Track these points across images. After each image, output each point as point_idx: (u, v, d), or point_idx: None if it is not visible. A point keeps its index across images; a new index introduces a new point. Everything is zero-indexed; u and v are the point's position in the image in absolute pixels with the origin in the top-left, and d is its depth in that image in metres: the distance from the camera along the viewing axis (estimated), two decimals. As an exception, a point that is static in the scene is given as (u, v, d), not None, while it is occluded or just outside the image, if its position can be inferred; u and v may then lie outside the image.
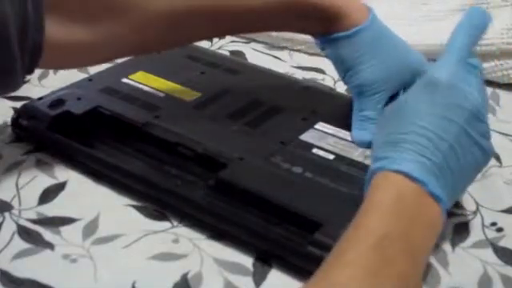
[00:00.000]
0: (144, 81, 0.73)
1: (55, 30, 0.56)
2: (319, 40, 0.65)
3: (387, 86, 0.63)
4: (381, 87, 0.63)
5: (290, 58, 0.88)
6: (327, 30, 0.63)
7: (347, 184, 0.57)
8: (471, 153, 0.51)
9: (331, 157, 0.61)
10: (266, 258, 0.55)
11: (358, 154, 0.61)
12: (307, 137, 0.64)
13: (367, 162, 0.60)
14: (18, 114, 0.68)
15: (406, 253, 0.45)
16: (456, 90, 0.51)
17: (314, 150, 0.62)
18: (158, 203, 0.60)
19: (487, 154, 0.53)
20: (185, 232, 0.57)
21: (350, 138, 0.63)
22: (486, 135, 0.53)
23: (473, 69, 0.53)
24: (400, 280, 0.44)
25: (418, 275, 0.46)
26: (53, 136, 0.65)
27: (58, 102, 0.68)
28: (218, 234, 0.57)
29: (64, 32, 0.57)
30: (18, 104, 0.71)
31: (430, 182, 0.48)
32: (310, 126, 0.65)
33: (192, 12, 0.61)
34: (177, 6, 0.60)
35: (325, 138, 0.63)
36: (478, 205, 0.61)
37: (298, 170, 0.59)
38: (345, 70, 0.64)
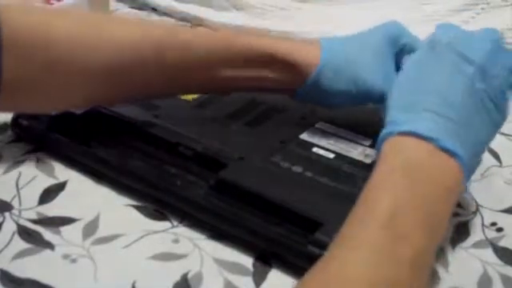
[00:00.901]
0: (144, 80, 0.72)
1: (12, 68, 0.55)
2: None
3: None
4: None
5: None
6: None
7: (347, 183, 0.57)
8: (485, 109, 0.50)
9: (331, 156, 0.61)
10: (266, 258, 0.55)
11: (358, 153, 0.61)
12: (307, 136, 0.64)
13: (367, 160, 0.60)
14: (18, 114, 0.68)
15: (421, 224, 0.43)
16: (459, 45, 0.51)
17: (314, 149, 0.62)
18: (158, 203, 0.60)
19: (502, 112, 0.52)
20: (185, 232, 0.57)
21: (350, 137, 0.64)
22: (501, 92, 0.51)
23: (483, 35, 0.53)
24: (416, 255, 0.42)
25: (435, 244, 0.44)
26: (53, 136, 0.65)
27: (57, 102, 0.68)
28: (218, 233, 0.57)
29: (21, 73, 0.56)
30: (18, 104, 0.71)
31: (441, 137, 0.46)
32: (310, 125, 0.65)
33: (133, 67, 0.59)
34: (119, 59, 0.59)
35: (325, 137, 0.64)
36: (477, 205, 0.61)
37: (298, 169, 0.59)
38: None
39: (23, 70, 0.56)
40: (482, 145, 0.53)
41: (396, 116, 0.49)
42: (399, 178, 0.45)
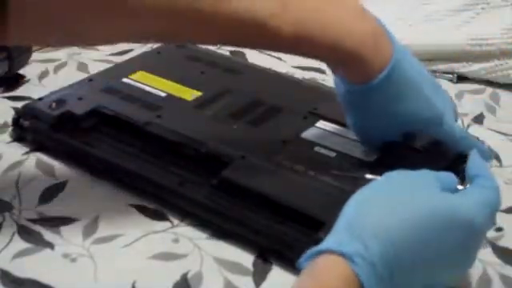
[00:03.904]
0: (144, 80, 0.73)
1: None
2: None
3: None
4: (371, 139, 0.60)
5: (290, 57, 0.88)
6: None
7: (349, 182, 0.57)
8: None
9: (333, 155, 0.61)
10: (268, 257, 0.55)
11: (359, 152, 0.61)
12: (309, 135, 0.64)
13: (369, 159, 0.60)
14: (19, 114, 0.68)
15: None
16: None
17: (316, 148, 0.62)
18: (161, 203, 0.60)
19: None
20: (185, 232, 0.57)
21: (351, 136, 0.64)
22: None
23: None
24: None
25: None
26: (54, 136, 0.65)
27: (58, 102, 0.68)
28: (219, 233, 0.57)
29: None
30: (19, 104, 0.71)
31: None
32: (312, 124, 0.65)
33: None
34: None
35: (326, 136, 0.64)
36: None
37: (300, 168, 0.59)
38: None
39: None
40: None
41: (353, 242, 0.43)
42: None
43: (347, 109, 0.58)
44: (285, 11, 0.52)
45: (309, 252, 0.44)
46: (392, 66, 0.53)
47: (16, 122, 0.68)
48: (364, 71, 0.53)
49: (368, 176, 0.55)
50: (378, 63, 0.53)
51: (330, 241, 0.44)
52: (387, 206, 0.45)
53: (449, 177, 0.50)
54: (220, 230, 0.57)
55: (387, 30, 0.55)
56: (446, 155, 0.59)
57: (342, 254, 0.42)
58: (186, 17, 0.52)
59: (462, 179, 0.52)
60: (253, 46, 0.59)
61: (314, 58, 0.56)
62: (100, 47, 0.88)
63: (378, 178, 0.50)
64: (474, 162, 0.52)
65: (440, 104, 0.57)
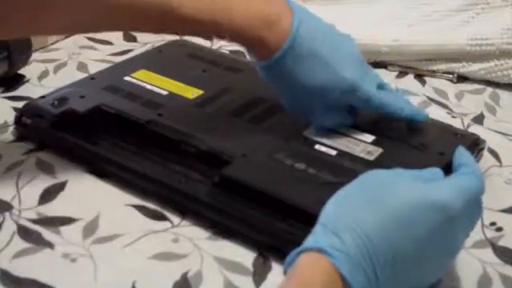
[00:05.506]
0: (146, 79, 0.73)
1: None
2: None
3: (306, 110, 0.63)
4: (300, 113, 0.63)
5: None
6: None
7: (350, 179, 0.57)
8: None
9: (334, 153, 0.61)
10: (269, 255, 0.55)
11: (359, 150, 0.61)
12: (309, 133, 0.64)
13: (369, 157, 0.60)
14: (21, 112, 0.68)
15: None
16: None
17: (317, 146, 0.62)
18: (161, 200, 0.60)
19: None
20: (185, 231, 0.57)
21: (351, 134, 0.64)
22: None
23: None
24: None
25: None
26: (57, 134, 0.65)
27: (61, 100, 0.68)
28: (219, 231, 0.57)
29: None
30: (19, 104, 0.71)
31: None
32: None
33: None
34: None
35: (327, 134, 0.64)
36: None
37: (301, 166, 0.59)
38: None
39: None
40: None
41: (330, 238, 0.45)
42: None
43: (268, 84, 0.63)
44: None
45: (290, 256, 0.45)
46: (289, 44, 0.58)
47: (18, 119, 0.68)
48: (266, 50, 0.59)
49: None
50: (278, 42, 0.58)
51: (307, 241, 0.45)
52: (361, 202, 0.47)
53: (432, 173, 0.51)
54: (221, 227, 0.57)
55: (295, 6, 0.60)
56: (447, 153, 0.59)
57: (319, 250, 0.44)
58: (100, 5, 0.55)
59: None
60: (164, 31, 0.64)
61: (222, 39, 0.60)
62: (100, 47, 0.88)
63: None
64: (458, 154, 0.53)
65: (352, 73, 0.60)
